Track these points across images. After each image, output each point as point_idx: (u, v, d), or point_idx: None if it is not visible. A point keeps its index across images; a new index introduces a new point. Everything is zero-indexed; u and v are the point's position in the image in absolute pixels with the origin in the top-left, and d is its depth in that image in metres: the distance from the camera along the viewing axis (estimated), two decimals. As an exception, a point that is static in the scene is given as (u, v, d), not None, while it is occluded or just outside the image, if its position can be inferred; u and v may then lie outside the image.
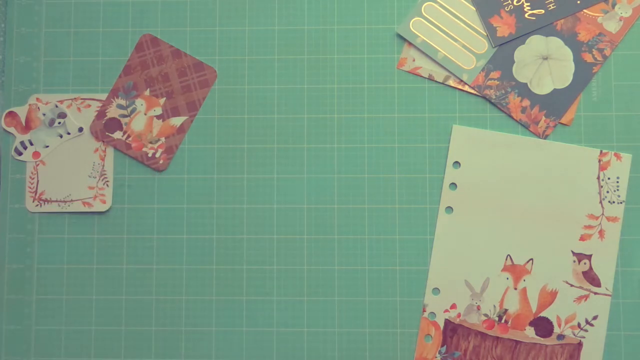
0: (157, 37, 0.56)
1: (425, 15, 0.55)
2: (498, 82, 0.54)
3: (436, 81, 0.55)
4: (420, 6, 0.56)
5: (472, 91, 0.55)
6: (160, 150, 0.55)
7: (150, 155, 0.55)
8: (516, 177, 0.53)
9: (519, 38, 0.55)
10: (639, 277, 0.53)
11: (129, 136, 0.56)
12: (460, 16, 0.55)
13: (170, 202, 0.55)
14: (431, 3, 0.56)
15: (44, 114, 0.56)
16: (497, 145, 0.53)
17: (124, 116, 0.56)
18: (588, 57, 0.54)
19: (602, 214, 0.52)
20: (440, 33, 0.55)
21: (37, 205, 0.55)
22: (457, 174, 0.53)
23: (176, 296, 0.54)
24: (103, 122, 0.56)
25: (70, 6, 0.57)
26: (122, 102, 0.56)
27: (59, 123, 0.56)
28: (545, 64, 0.54)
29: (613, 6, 0.55)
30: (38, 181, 0.55)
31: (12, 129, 0.56)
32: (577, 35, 0.55)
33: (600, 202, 0.52)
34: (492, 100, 0.54)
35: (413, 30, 0.55)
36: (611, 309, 0.53)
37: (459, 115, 0.55)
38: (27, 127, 0.56)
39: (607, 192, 0.52)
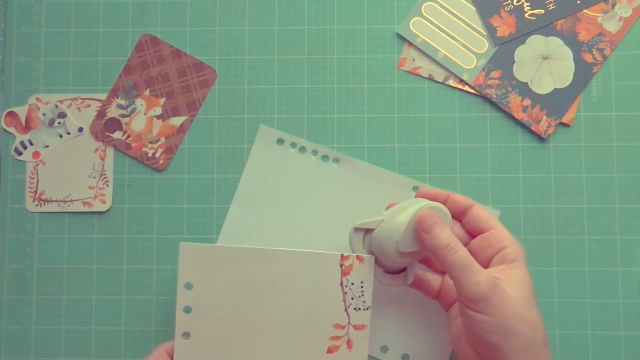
0: (157, 37, 0.56)
1: (425, 15, 0.55)
2: (499, 82, 0.54)
3: (436, 81, 0.55)
4: (420, 6, 0.56)
5: (472, 91, 0.55)
6: (160, 150, 0.55)
7: (150, 155, 0.55)
8: (254, 292, 0.48)
9: (519, 38, 0.55)
10: (639, 277, 0.53)
11: (129, 136, 0.56)
12: (460, 16, 0.55)
13: (170, 202, 0.55)
14: (431, 3, 0.56)
15: (44, 114, 0.56)
16: (227, 260, 0.48)
17: (124, 116, 0.56)
18: (588, 57, 0.54)
19: (349, 322, 0.47)
20: (440, 33, 0.55)
21: (37, 205, 0.55)
22: (190, 295, 0.48)
23: (176, 296, 0.54)
24: (103, 122, 0.56)
25: (70, 6, 0.57)
26: (122, 102, 0.56)
27: (59, 123, 0.56)
28: (545, 64, 0.55)
29: (613, 6, 0.55)
30: (38, 181, 0.55)
31: (12, 129, 0.56)
32: (577, 35, 0.55)
33: (346, 309, 0.47)
34: (493, 100, 0.54)
35: (413, 30, 0.55)
36: (611, 309, 0.53)
37: (459, 115, 0.55)
38: (27, 127, 0.56)
39: (352, 298, 0.47)
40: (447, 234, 0.44)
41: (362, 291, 0.48)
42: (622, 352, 0.52)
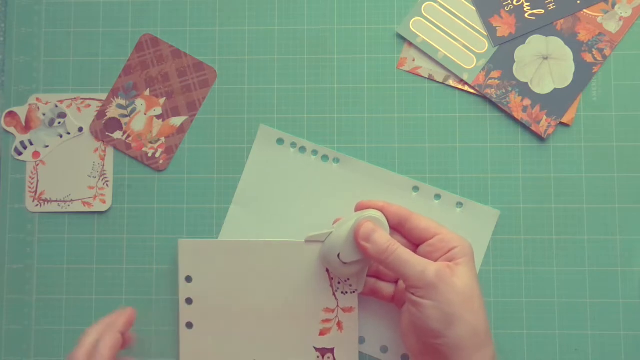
0: (157, 37, 0.56)
1: (425, 15, 0.55)
2: (499, 82, 0.54)
3: (436, 81, 0.55)
4: (420, 6, 0.56)
5: (472, 91, 0.55)
6: (160, 150, 0.55)
7: (150, 155, 0.55)
8: (248, 282, 0.51)
9: (519, 38, 0.55)
10: (639, 277, 0.53)
11: (129, 136, 0.56)
12: (460, 16, 0.55)
13: (170, 202, 0.55)
14: (431, 3, 0.56)
15: (44, 114, 0.56)
16: (221, 253, 0.51)
17: (124, 116, 0.56)
18: (588, 57, 0.54)
19: (337, 305, 0.51)
20: (440, 33, 0.55)
21: (37, 205, 0.55)
22: (191, 288, 0.52)
23: (176, 296, 0.54)
24: (103, 122, 0.56)
25: (70, 6, 0.57)
26: (122, 102, 0.56)
27: (59, 123, 0.56)
28: (545, 64, 0.55)
29: (613, 6, 0.55)
30: (38, 181, 0.55)
31: (12, 129, 0.56)
32: (577, 35, 0.55)
33: (334, 294, 0.51)
34: (493, 100, 0.54)
35: (413, 30, 0.55)
36: (611, 309, 0.53)
37: (459, 115, 0.55)
38: (27, 127, 0.56)
39: (339, 283, 0.51)
40: (385, 239, 0.46)
41: None
42: (622, 352, 0.52)
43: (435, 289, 0.44)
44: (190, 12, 0.57)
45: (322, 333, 0.51)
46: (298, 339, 0.51)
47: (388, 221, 0.48)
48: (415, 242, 0.49)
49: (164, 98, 0.56)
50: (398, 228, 0.49)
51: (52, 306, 0.55)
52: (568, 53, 0.54)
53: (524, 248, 0.54)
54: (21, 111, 0.56)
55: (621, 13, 0.55)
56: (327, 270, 0.51)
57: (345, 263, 0.48)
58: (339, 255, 0.48)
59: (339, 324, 0.51)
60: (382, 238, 0.46)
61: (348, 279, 0.51)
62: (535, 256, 0.54)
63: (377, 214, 0.48)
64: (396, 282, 0.51)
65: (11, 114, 0.56)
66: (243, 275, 0.51)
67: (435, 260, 0.46)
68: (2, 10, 0.57)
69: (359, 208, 0.50)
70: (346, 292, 0.51)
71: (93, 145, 0.56)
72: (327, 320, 0.51)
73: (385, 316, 0.53)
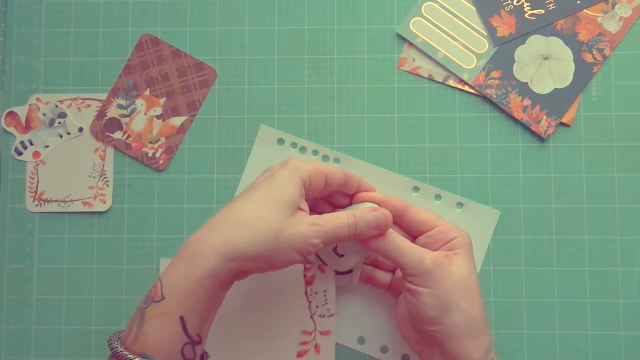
0: (157, 37, 0.56)
1: (425, 15, 0.55)
2: (499, 82, 0.54)
3: (436, 81, 0.55)
4: (420, 6, 0.56)
5: (472, 91, 0.55)
6: (160, 150, 0.55)
7: (150, 155, 0.55)
8: (226, 303, 0.50)
9: (519, 38, 0.55)
10: (639, 277, 0.53)
11: (129, 136, 0.56)
12: (460, 16, 0.55)
13: (170, 202, 0.55)
14: (431, 3, 0.56)
15: (44, 114, 0.56)
16: None
17: (124, 116, 0.56)
18: (588, 57, 0.54)
19: (315, 328, 0.52)
20: (441, 33, 0.55)
21: (37, 205, 0.55)
22: None
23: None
24: (103, 122, 0.56)
25: (70, 6, 0.57)
26: (122, 102, 0.56)
27: (59, 123, 0.56)
28: (545, 64, 0.55)
29: (613, 6, 0.55)
30: (38, 181, 0.55)
31: (12, 129, 0.56)
32: (577, 35, 0.55)
33: (312, 317, 0.52)
34: (493, 100, 0.54)
35: (413, 30, 0.55)
36: (611, 309, 0.53)
37: (459, 115, 0.55)
38: (27, 127, 0.56)
39: (317, 306, 0.52)
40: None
41: (326, 299, 0.52)
42: (622, 352, 0.52)
43: (432, 276, 0.44)
44: (190, 12, 0.57)
45: (299, 355, 0.52)
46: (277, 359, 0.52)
47: None
48: (414, 234, 0.49)
49: (164, 98, 0.56)
50: (396, 220, 0.49)
51: (52, 306, 0.55)
52: (568, 53, 0.54)
53: (524, 248, 0.54)
54: (21, 111, 0.56)
55: (621, 13, 0.55)
56: (306, 293, 0.51)
57: (341, 255, 0.49)
58: (335, 248, 0.48)
59: (316, 347, 0.52)
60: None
61: (326, 303, 0.51)
62: (535, 256, 0.54)
63: (375, 206, 0.48)
64: (393, 271, 0.51)
65: (11, 114, 0.56)
66: (227, 298, 0.51)
67: (434, 251, 0.46)
68: (2, 10, 0.57)
69: (357, 201, 0.50)
70: (324, 315, 0.52)
71: (93, 145, 0.56)
72: (305, 343, 0.52)
73: (385, 316, 0.53)
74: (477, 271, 0.46)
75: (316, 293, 0.52)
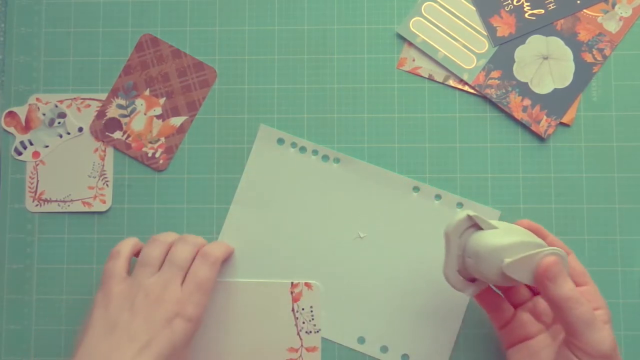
0: (157, 37, 0.56)
1: (425, 15, 0.55)
2: (499, 82, 0.54)
3: (436, 81, 0.55)
4: (420, 6, 0.56)
5: (472, 91, 0.55)
6: (160, 150, 0.55)
7: (150, 155, 0.55)
8: (212, 320, 0.52)
9: (519, 38, 0.55)
10: (639, 277, 0.53)
11: (129, 136, 0.56)
12: (460, 16, 0.55)
13: (170, 202, 0.55)
14: (431, 3, 0.56)
15: (44, 114, 0.56)
16: None
17: (124, 116, 0.56)
18: (588, 57, 0.54)
19: (301, 345, 0.52)
20: (440, 33, 0.55)
21: (37, 205, 0.55)
22: None
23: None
24: (103, 122, 0.56)
25: (70, 6, 0.57)
26: (122, 102, 0.56)
27: (59, 123, 0.56)
28: (545, 64, 0.55)
29: (613, 6, 0.55)
30: (38, 181, 0.55)
31: (12, 129, 0.56)
32: (577, 35, 0.55)
33: (298, 333, 0.52)
34: (493, 100, 0.54)
35: (413, 30, 0.55)
36: (611, 309, 0.53)
37: (459, 115, 0.55)
38: (27, 127, 0.56)
39: (303, 322, 0.52)
40: (571, 285, 0.42)
41: (312, 315, 0.52)
42: (622, 352, 0.52)
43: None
44: (190, 12, 0.57)
45: None
46: None
47: None
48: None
49: (164, 98, 0.56)
50: None
51: (52, 306, 0.55)
52: (568, 53, 0.54)
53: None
54: (21, 111, 0.56)
55: (621, 13, 0.55)
56: (293, 310, 0.52)
57: (503, 274, 0.43)
58: (502, 261, 0.43)
59: None
60: (569, 284, 0.42)
61: (312, 319, 0.52)
62: (535, 256, 0.53)
63: (562, 252, 0.44)
64: (520, 305, 0.48)
65: (11, 114, 0.56)
66: (208, 313, 0.52)
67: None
68: (2, 10, 0.57)
69: (525, 227, 0.47)
70: (310, 332, 0.52)
71: (93, 145, 0.56)
72: None
73: (385, 316, 0.53)
74: None
75: (303, 309, 0.52)
